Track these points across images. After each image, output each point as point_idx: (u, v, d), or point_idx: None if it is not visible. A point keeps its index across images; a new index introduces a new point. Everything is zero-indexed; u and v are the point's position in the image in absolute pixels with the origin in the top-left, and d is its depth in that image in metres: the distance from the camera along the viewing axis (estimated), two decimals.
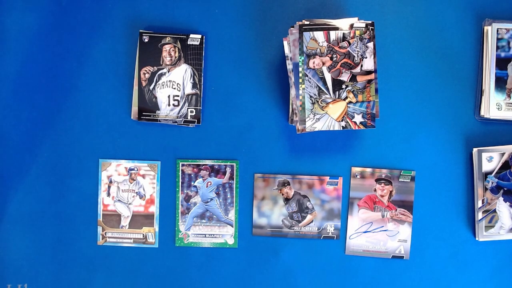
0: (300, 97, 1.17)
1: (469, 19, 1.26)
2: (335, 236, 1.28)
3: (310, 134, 1.25)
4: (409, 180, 1.27)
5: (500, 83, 1.22)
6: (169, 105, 1.27)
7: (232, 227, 1.29)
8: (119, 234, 1.30)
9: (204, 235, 1.29)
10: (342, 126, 1.17)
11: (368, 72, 1.16)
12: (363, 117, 1.17)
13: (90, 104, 1.28)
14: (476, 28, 1.26)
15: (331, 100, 1.17)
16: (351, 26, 1.16)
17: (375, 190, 1.27)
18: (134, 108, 1.27)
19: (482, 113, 1.23)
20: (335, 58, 1.16)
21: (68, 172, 1.29)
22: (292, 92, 1.17)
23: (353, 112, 1.17)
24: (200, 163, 1.29)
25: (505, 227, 1.24)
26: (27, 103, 1.28)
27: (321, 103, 1.17)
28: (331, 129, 1.17)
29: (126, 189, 1.30)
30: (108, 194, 1.29)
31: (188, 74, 1.27)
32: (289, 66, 1.17)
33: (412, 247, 1.27)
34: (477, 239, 1.25)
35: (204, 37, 1.26)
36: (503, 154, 1.24)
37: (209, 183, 1.29)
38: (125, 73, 1.28)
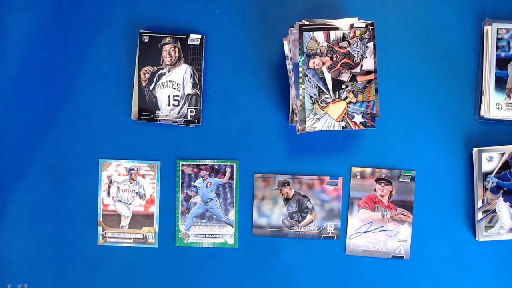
0: (300, 97, 1.17)
1: (469, 19, 1.26)
2: (335, 236, 1.28)
3: (310, 134, 1.25)
4: (409, 180, 1.27)
5: (500, 83, 1.22)
6: (169, 105, 1.27)
7: (232, 227, 1.29)
8: (119, 234, 1.30)
9: (204, 235, 1.29)
10: (342, 126, 1.17)
11: (368, 72, 1.16)
12: (363, 117, 1.17)
13: (90, 104, 1.28)
14: (476, 28, 1.26)
15: (331, 100, 1.17)
16: (351, 26, 1.16)
17: (375, 190, 1.27)
18: (134, 108, 1.27)
19: (482, 113, 1.23)
20: (335, 58, 1.16)
21: (68, 172, 1.29)
22: (292, 92, 1.17)
23: (353, 112, 1.17)
24: (200, 163, 1.29)
25: (505, 227, 1.24)
26: (27, 103, 1.28)
27: (321, 103, 1.17)
28: (331, 129, 1.17)
29: (126, 189, 1.30)
30: (108, 194, 1.29)
31: (188, 74, 1.27)
32: (289, 66, 1.17)
33: (412, 247, 1.27)
34: (477, 239, 1.25)
35: (204, 37, 1.26)
36: (503, 154, 1.24)
37: (209, 183, 1.29)
38: (125, 73, 1.28)
